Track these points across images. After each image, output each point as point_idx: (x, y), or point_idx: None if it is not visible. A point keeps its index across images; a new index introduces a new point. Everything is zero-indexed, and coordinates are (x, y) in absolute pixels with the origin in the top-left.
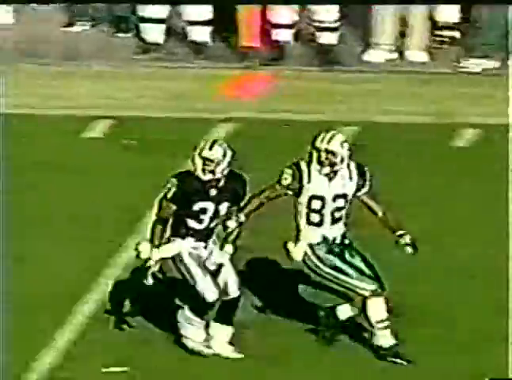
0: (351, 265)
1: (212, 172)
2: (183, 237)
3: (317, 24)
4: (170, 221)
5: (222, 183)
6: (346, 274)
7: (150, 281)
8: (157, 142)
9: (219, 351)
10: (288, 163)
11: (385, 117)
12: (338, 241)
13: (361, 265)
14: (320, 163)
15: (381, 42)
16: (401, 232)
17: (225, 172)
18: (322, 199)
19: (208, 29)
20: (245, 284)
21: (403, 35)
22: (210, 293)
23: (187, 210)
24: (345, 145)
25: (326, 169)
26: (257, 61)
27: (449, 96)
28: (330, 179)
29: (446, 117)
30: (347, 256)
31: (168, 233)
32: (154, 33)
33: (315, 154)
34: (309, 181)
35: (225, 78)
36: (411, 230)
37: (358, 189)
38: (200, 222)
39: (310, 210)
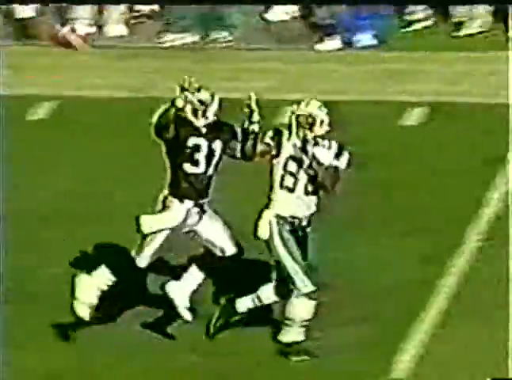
0: (305, 255)
1: (204, 114)
2: (181, 200)
3: None
4: (168, 174)
5: (212, 125)
6: (298, 263)
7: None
8: None
9: None
10: None
11: (85, 91)
12: (304, 223)
13: (314, 259)
14: (299, 127)
15: (79, 16)
16: None
17: (215, 116)
18: (299, 162)
19: None
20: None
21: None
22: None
23: (181, 149)
24: (323, 109)
25: (307, 133)
26: None
27: (149, 71)
28: (308, 144)
29: (145, 91)
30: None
31: (166, 191)
32: None
33: (294, 122)
34: (288, 140)
35: None
36: None
37: (336, 158)
38: (197, 164)
39: (285, 171)
